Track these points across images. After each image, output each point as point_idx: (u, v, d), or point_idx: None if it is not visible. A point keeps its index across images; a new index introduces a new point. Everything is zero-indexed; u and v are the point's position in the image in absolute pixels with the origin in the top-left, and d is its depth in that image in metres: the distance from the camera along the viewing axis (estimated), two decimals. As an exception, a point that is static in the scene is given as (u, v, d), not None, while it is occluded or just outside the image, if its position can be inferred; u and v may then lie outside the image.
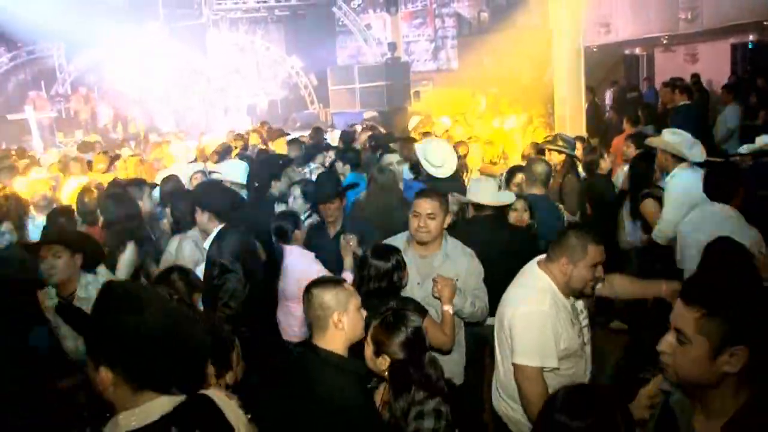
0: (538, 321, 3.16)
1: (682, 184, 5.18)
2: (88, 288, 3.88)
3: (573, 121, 9.81)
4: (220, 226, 4.57)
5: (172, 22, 20.30)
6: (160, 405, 1.95)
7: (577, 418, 1.98)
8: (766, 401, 1.86)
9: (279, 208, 6.15)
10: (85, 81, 20.36)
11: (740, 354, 1.81)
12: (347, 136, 10.50)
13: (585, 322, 3.47)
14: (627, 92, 16.18)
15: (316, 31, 23.35)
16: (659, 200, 5.46)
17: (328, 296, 2.86)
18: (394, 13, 23.13)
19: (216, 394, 2.16)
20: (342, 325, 2.84)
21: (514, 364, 3.20)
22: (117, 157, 9.58)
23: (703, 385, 1.92)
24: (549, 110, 11.36)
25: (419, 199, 3.96)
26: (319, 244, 5.05)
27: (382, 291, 3.59)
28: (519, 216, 5.09)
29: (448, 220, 3.99)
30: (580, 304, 3.44)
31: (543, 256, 3.41)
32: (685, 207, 4.87)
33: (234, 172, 6.59)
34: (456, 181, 6.20)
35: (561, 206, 5.99)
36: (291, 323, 4.81)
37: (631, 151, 6.75)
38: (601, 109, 14.65)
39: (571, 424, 1.99)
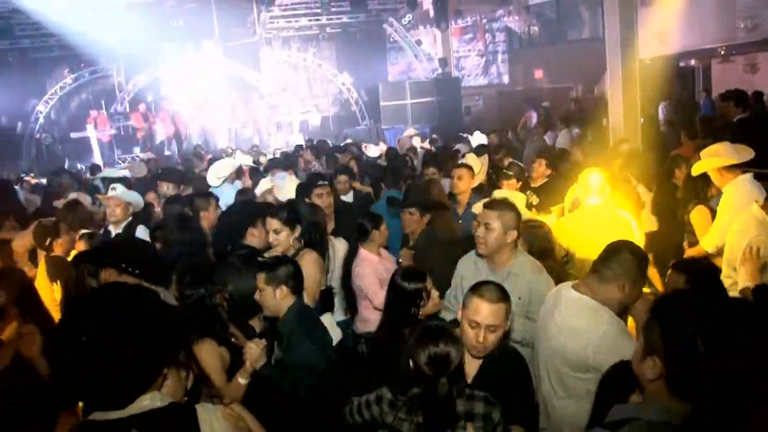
0: (616, 332, 3.03)
1: (735, 193, 5.00)
2: None
3: (628, 135, 9.66)
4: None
5: (226, 40, 20.73)
6: (135, 405, 1.92)
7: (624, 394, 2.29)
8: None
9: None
10: (143, 99, 20.91)
11: (656, 364, 1.91)
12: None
13: None
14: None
15: (367, 48, 23.58)
16: (713, 212, 5.28)
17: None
18: (444, 28, 23.13)
19: (205, 409, 2.06)
20: None
21: None
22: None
23: (641, 385, 2.04)
24: (604, 124, 11.21)
25: (483, 209, 3.87)
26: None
27: (406, 312, 3.55)
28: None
29: (514, 235, 3.72)
30: None
31: (575, 282, 3.28)
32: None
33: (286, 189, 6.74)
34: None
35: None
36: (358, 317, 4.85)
37: None
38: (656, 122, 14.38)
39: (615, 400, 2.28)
